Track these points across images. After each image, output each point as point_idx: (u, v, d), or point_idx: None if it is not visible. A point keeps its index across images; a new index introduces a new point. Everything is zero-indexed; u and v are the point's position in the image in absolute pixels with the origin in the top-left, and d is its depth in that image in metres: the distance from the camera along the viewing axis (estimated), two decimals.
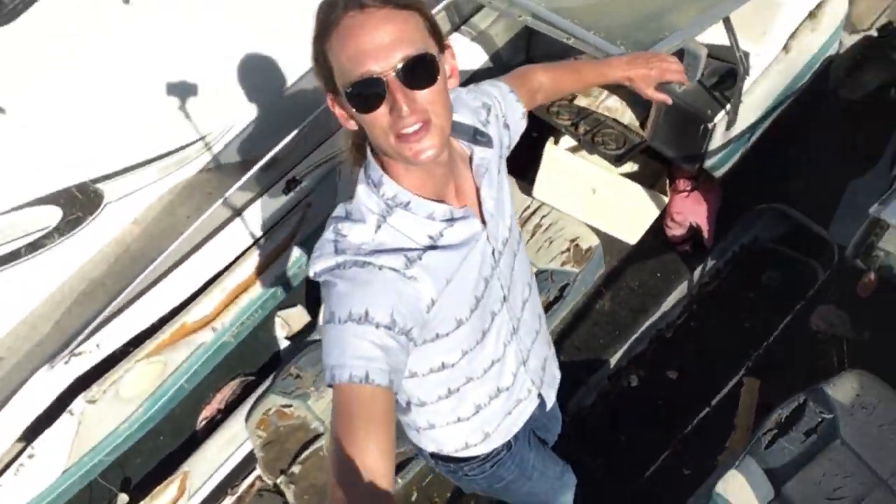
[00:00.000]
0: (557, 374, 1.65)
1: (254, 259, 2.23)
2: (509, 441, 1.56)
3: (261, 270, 2.25)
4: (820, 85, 2.57)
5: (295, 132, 2.16)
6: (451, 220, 1.11)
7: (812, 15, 2.18)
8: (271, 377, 2.65)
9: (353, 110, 0.99)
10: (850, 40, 2.44)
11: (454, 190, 1.14)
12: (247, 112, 3.02)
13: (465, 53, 2.34)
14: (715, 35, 2.08)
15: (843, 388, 2.04)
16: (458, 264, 1.12)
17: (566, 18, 1.90)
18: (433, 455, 1.55)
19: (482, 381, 1.35)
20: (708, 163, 2.29)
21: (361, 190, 1.09)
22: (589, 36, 1.81)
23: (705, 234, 2.72)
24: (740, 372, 2.66)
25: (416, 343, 1.06)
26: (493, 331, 1.27)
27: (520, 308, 1.36)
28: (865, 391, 2.01)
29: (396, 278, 1.04)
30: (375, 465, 0.92)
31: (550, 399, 1.62)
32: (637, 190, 2.56)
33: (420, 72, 0.96)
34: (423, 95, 0.97)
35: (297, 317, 2.81)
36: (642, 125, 2.43)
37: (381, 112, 0.97)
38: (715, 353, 2.76)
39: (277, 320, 2.77)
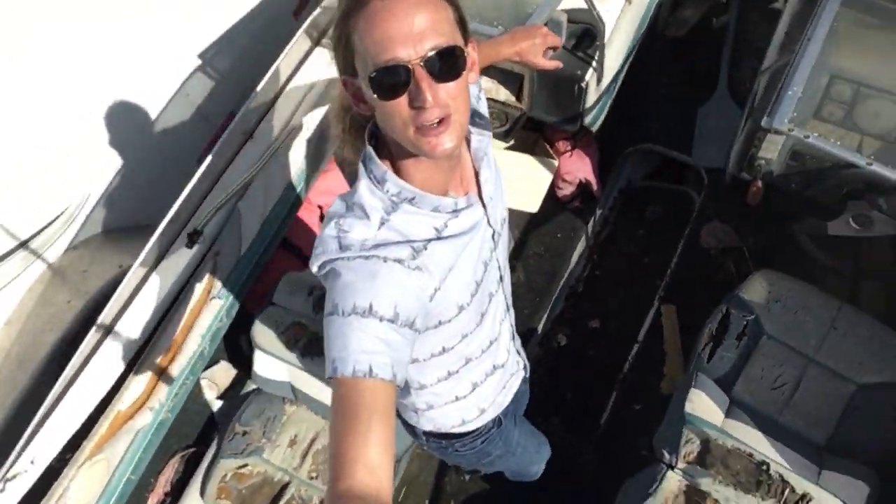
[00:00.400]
0: None
1: (175, 324, 2.07)
2: (499, 418, 1.60)
3: (185, 333, 2.10)
4: (652, 27, 2.80)
5: (190, 186, 2.04)
6: (456, 211, 1.11)
7: None
8: (214, 443, 2.50)
9: (374, 96, 0.97)
10: None
11: (459, 178, 1.14)
12: (102, 175, 2.81)
13: (331, 67, 2.31)
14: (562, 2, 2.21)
15: (755, 289, 2.26)
16: (460, 252, 1.13)
17: None
18: (426, 433, 1.56)
19: (480, 361, 1.38)
20: (586, 119, 2.44)
21: (364, 186, 1.07)
22: None
23: (594, 187, 2.89)
24: (654, 303, 2.85)
25: (419, 332, 1.06)
26: (490, 312, 1.30)
27: (509, 285, 1.39)
28: (774, 286, 2.24)
29: (401, 270, 1.03)
30: (376, 458, 0.92)
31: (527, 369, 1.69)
32: (529, 161, 2.66)
33: (448, 64, 0.95)
34: (447, 88, 0.95)
35: (223, 374, 2.66)
36: (517, 99, 2.53)
37: (403, 101, 0.95)
38: (626, 292, 2.95)
39: (203, 382, 2.61)
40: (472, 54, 1.06)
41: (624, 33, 2.45)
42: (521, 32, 1.62)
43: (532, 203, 2.84)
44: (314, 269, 1.06)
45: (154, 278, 2.07)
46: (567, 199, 2.98)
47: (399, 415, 1.56)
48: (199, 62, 2.94)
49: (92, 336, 1.89)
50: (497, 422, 1.60)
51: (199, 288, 2.13)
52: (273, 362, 2.30)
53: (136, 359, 2.04)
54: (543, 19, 1.95)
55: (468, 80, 1.02)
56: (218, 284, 2.15)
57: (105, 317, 1.93)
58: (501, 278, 1.32)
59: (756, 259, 2.66)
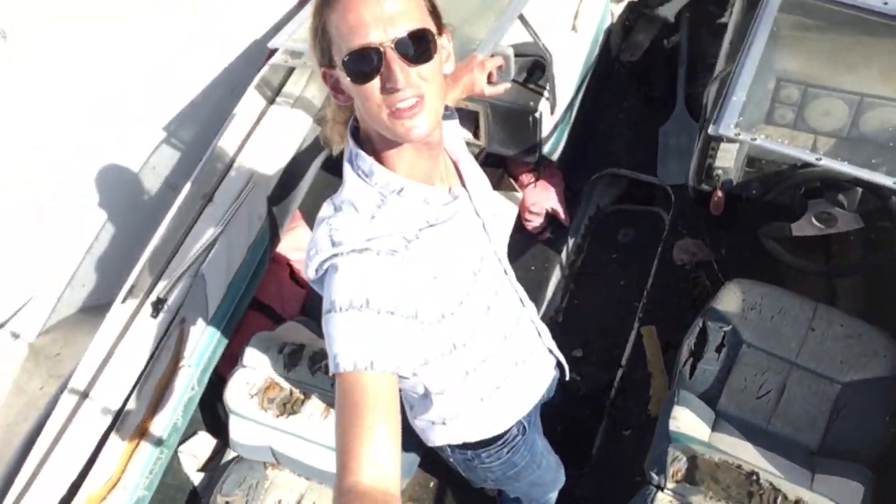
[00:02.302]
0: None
1: (144, 396, 2.02)
2: (523, 425, 1.57)
3: (155, 405, 2.05)
4: (606, 54, 2.84)
5: (146, 257, 2.03)
6: (445, 202, 1.13)
7: None
8: None
9: (349, 81, 0.98)
10: (618, 9, 2.74)
11: (443, 170, 1.16)
12: (73, 254, 2.79)
13: (290, 122, 2.32)
14: (507, 36, 2.25)
15: (729, 299, 2.24)
16: (452, 242, 1.14)
17: None
18: (452, 446, 1.53)
19: (498, 359, 1.36)
20: (545, 149, 2.45)
21: (351, 183, 1.08)
22: None
23: (562, 215, 2.89)
24: (634, 325, 2.83)
25: (423, 324, 1.07)
26: (497, 306, 1.29)
27: (516, 281, 1.39)
28: (747, 294, 2.22)
29: (395, 262, 1.04)
30: (382, 451, 0.92)
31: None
32: (495, 196, 2.66)
33: (418, 46, 0.97)
34: (419, 71, 0.98)
35: (202, 445, 2.58)
36: (475, 135, 2.55)
37: (376, 84, 0.97)
38: (605, 317, 2.93)
39: (182, 456, 2.53)
40: (448, 46, 1.08)
41: (573, 61, 2.49)
42: (459, 68, 1.65)
43: None
44: (311, 275, 1.06)
45: (119, 351, 2.03)
46: (537, 231, 2.98)
47: (422, 433, 1.53)
48: (164, 134, 2.96)
49: (55, 418, 1.84)
50: (521, 429, 1.57)
51: (167, 357, 2.09)
52: (249, 426, 2.24)
53: (105, 438, 1.98)
54: (488, 53, 1.97)
55: (442, 69, 1.04)
56: (187, 352, 2.11)
57: (69, 398, 1.88)
58: (505, 272, 1.32)
59: (729, 269, 2.65)
